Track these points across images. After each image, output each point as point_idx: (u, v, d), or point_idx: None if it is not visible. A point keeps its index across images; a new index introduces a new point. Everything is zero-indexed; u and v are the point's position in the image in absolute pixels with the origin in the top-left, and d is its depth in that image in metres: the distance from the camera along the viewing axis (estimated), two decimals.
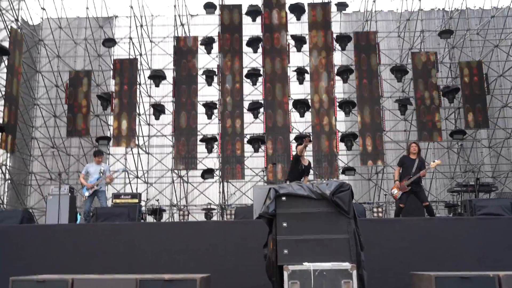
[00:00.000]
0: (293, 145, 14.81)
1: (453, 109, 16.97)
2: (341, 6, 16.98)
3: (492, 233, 6.91)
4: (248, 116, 15.80)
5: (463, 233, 6.98)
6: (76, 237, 7.34)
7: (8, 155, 15.67)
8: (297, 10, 16.29)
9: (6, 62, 14.31)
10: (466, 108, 15.58)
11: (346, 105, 15.70)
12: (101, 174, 9.72)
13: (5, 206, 15.67)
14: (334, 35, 15.94)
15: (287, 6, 16.04)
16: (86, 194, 9.78)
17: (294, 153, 12.07)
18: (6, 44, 14.28)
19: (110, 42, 16.97)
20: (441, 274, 4.75)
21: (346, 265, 4.07)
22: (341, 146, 15.50)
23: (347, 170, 15.70)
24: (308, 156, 14.76)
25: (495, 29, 18.26)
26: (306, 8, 16.09)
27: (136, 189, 16.61)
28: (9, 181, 15.82)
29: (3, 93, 14.20)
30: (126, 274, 5.18)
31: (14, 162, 17.40)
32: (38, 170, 17.46)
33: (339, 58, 17.37)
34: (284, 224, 4.38)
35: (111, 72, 16.41)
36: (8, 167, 15.88)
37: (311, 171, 14.56)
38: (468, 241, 6.88)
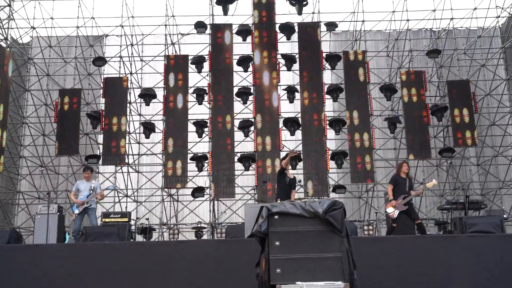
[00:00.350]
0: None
1: (441, 127, 17.13)
2: (331, 26, 17.11)
3: (483, 251, 6.94)
4: (238, 135, 15.83)
5: (455, 251, 7.01)
6: (65, 257, 7.25)
7: None
8: (287, 29, 16.45)
9: None
10: (454, 126, 15.79)
11: (336, 124, 15.78)
12: (92, 191, 9.65)
13: None
14: (324, 54, 16.13)
15: (277, 26, 16.21)
16: (76, 211, 9.69)
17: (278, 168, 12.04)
18: None
19: (100, 61, 16.95)
20: None
21: (339, 284, 4.06)
22: (332, 164, 15.54)
23: (338, 188, 15.70)
24: (299, 174, 14.86)
25: (482, 49, 18.56)
26: (296, 28, 16.29)
27: (126, 208, 16.45)
28: None
29: None
30: None
31: (1, 181, 17.19)
32: (26, 189, 17.27)
33: (329, 77, 17.52)
34: (277, 243, 4.36)
35: (101, 90, 16.42)
36: None
37: (302, 189, 14.68)
38: (459, 258, 6.90)
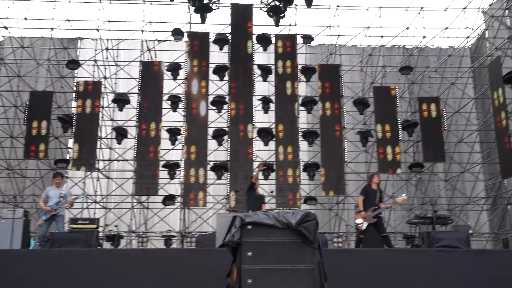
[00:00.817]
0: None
1: (411, 143, 17.39)
2: (307, 39, 17.28)
3: (450, 265, 7.02)
4: (212, 143, 15.73)
5: (422, 264, 7.06)
6: (30, 263, 7.02)
7: None
8: (264, 40, 16.50)
9: None
10: (423, 142, 16.08)
11: (310, 136, 15.85)
12: (61, 198, 9.38)
13: None
14: (299, 67, 16.25)
15: (254, 36, 16.25)
16: (44, 218, 9.41)
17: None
18: None
19: (74, 64, 16.65)
20: None
21: None
22: (304, 175, 15.59)
23: (309, 199, 15.74)
24: (271, 185, 14.85)
25: (452, 67, 18.95)
26: (273, 39, 16.36)
27: (94, 214, 16.13)
28: None
29: None
30: None
31: None
32: None
33: (303, 89, 17.61)
34: (249, 253, 4.28)
35: (73, 94, 16.11)
36: None
37: (274, 200, 14.67)
38: (426, 272, 6.95)
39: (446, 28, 18.50)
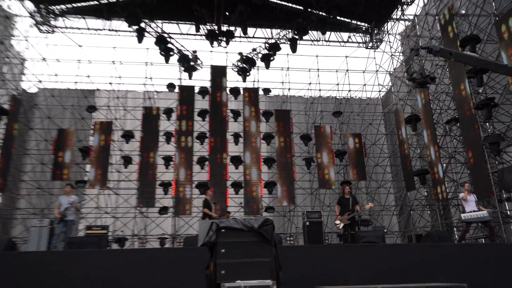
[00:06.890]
0: (229, 189, 14.74)
1: (342, 166, 17.63)
2: (266, 91, 17.55)
3: (371, 256, 7.01)
4: (196, 167, 15.54)
5: (351, 256, 7.02)
6: (53, 262, 6.62)
7: None
8: (235, 92, 16.67)
9: (6, 120, 13.38)
10: (351, 165, 16.32)
11: (268, 161, 15.89)
12: (70, 204, 8.73)
13: None
14: (261, 111, 16.37)
15: (228, 89, 16.37)
16: (55, 222, 8.82)
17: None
18: (6, 106, 13.42)
19: (92, 108, 16.36)
20: (335, 287, 4.70)
21: (268, 282, 3.92)
22: (265, 191, 15.52)
23: (269, 208, 15.67)
24: (240, 198, 14.68)
25: (369, 112, 19.51)
26: (241, 91, 16.51)
27: (105, 222, 15.52)
28: None
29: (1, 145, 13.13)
30: None
31: (4, 200, 15.80)
32: (24, 207, 15.93)
33: (264, 127, 17.72)
34: (222, 250, 4.18)
35: (91, 131, 15.72)
36: None
37: (242, 209, 14.49)
38: (354, 261, 6.92)
39: (365, 85, 19.14)
